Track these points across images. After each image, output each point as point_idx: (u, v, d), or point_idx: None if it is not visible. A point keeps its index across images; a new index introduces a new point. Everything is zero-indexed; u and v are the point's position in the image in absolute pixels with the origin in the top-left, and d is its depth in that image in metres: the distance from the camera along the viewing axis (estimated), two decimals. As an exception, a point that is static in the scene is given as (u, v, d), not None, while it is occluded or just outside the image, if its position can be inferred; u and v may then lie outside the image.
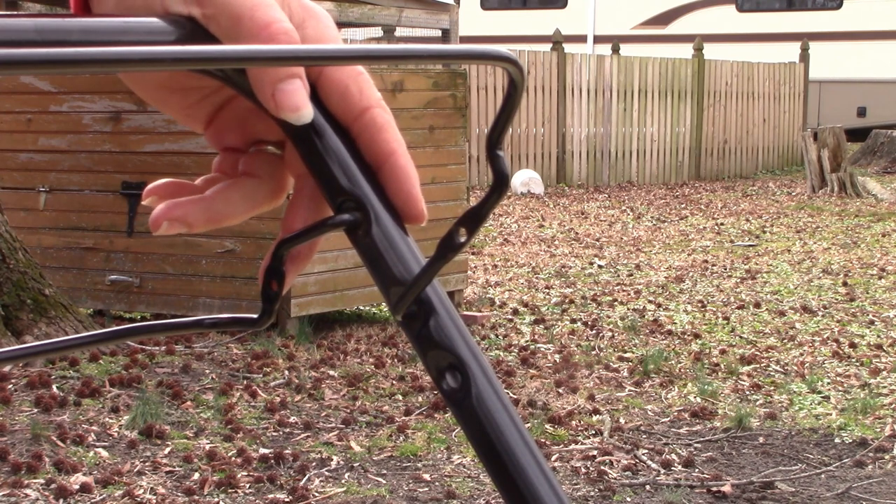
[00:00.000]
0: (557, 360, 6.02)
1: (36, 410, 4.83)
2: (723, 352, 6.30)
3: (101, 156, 6.51)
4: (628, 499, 4.21)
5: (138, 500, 4.03)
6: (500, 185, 0.60)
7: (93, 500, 4.01)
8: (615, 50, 17.43)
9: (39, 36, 0.56)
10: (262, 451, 4.49)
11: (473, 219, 0.61)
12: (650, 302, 7.63)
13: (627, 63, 16.33)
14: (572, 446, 4.72)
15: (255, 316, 0.68)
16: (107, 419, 4.79)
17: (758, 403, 5.41)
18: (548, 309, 7.35)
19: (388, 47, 0.56)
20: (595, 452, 4.63)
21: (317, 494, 4.13)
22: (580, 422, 5.01)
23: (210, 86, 0.70)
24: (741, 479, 4.39)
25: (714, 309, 7.43)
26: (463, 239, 0.62)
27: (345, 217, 0.65)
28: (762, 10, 20.93)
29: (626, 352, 6.26)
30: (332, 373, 5.60)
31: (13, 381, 5.18)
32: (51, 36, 0.56)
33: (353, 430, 4.84)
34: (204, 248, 6.29)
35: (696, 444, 4.82)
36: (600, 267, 9.08)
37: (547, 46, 15.91)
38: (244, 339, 6.06)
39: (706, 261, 9.40)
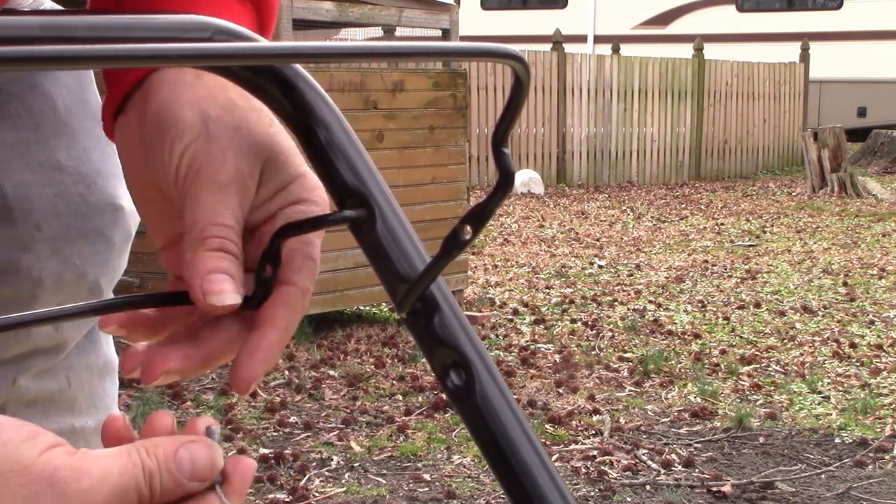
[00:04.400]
0: (557, 360, 6.01)
1: (36, 410, 4.83)
2: (723, 352, 6.30)
3: (101, 155, 6.49)
4: (628, 499, 4.20)
5: (138, 499, 4.03)
6: (505, 182, 0.60)
7: (93, 500, 4.01)
8: (615, 50, 17.43)
9: (44, 32, 0.55)
10: (262, 451, 4.49)
11: (478, 216, 0.61)
12: (650, 302, 7.63)
13: (627, 63, 16.33)
14: (572, 446, 4.72)
15: (246, 295, 0.69)
16: (107, 419, 4.79)
17: (758, 403, 5.41)
18: (548, 309, 7.35)
19: (393, 44, 0.56)
20: (595, 452, 4.63)
21: (317, 494, 4.13)
22: (580, 422, 5.01)
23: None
24: (741, 479, 4.39)
25: (714, 309, 7.43)
26: (468, 236, 0.62)
27: (348, 213, 0.65)
28: (762, 10, 20.93)
29: (626, 352, 6.26)
30: (332, 373, 5.60)
31: (13, 380, 5.18)
32: (56, 32, 0.56)
33: (353, 430, 4.84)
34: (204, 247, 6.28)
35: (696, 444, 4.82)
36: (600, 267, 9.08)
37: (547, 46, 15.91)
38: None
39: (706, 261, 9.40)
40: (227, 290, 0.67)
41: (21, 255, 0.97)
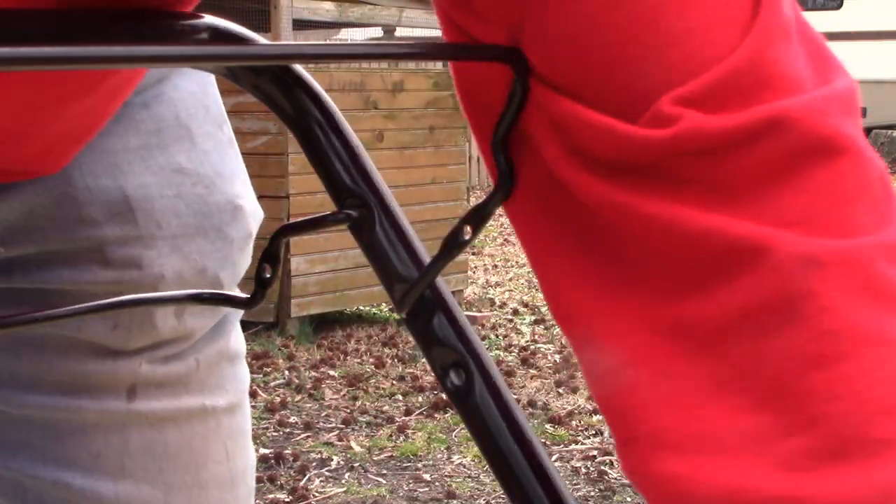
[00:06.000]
0: (557, 360, 6.02)
1: (36, 410, 4.83)
2: (723, 352, 6.30)
3: (101, 156, 6.49)
4: (629, 499, 4.21)
5: (138, 499, 4.03)
6: (504, 182, 0.60)
7: (93, 500, 4.01)
8: (615, 50, 17.45)
9: (46, 33, 0.56)
10: (262, 451, 4.49)
11: (478, 216, 0.62)
12: (650, 302, 7.62)
13: (627, 63, 16.35)
14: (572, 446, 4.72)
15: (246, 296, 0.69)
16: (107, 419, 4.79)
17: (758, 403, 5.41)
18: (548, 309, 7.35)
19: (393, 44, 0.57)
20: (595, 452, 4.63)
21: (317, 494, 4.13)
22: (580, 422, 5.01)
23: None
24: (741, 479, 4.39)
25: (714, 309, 7.42)
26: (468, 236, 0.62)
27: (348, 213, 0.65)
28: (762, 10, 20.94)
29: (626, 352, 6.26)
30: (332, 373, 5.60)
31: (13, 380, 5.18)
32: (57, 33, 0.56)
33: (353, 430, 4.84)
34: (204, 247, 6.28)
35: (696, 444, 4.82)
36: (600, 267, 9.07)
37: (547, 46, 15.93)
38: (244, 339, 6.06)
39: (706, 261, 9.39)
40: None
41: (143, 251, 1.03)
